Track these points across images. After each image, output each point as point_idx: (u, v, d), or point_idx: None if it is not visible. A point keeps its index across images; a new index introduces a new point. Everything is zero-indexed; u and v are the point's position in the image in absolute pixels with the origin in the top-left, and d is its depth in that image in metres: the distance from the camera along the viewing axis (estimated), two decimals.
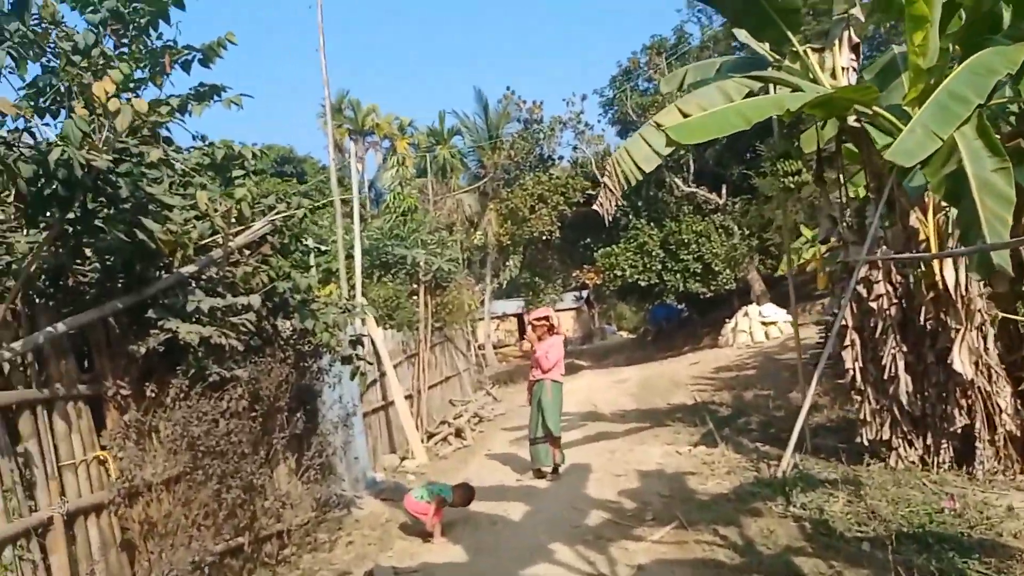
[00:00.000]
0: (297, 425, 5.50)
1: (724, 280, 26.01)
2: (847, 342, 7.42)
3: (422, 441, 10.20)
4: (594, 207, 7.63)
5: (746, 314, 24.67)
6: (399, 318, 11.15)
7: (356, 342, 6.14)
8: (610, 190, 7.27)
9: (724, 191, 27.52)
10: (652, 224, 26.87)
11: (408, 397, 10.98)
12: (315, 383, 6.22)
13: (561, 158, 30.41)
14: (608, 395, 15.51)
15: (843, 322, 7.42)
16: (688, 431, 9.75)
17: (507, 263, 25.39)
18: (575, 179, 27.61)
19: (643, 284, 26.82)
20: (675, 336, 35.29)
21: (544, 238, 26.93)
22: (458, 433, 10.92)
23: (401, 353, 10.85)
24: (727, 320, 25.99)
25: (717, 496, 6.42)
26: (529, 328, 7.82)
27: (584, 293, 41.65)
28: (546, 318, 7.75)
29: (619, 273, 26.53)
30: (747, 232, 26.64)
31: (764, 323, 24.10)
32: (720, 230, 26.35)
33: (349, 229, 12.56)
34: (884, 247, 7.11)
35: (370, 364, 6.15)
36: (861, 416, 7.31)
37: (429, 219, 13.16)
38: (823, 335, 16.44)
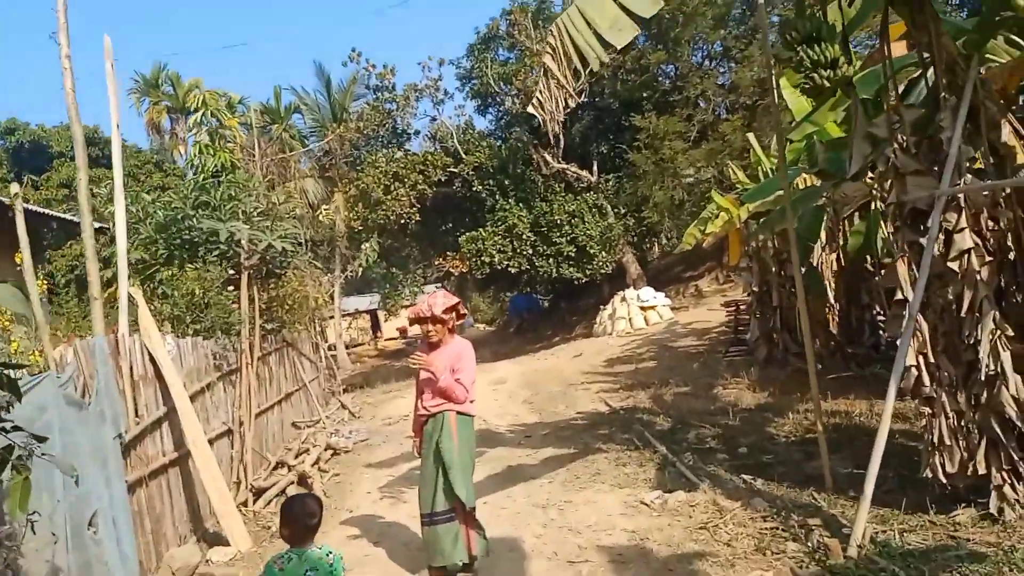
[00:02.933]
0: None
1: (600, 263, 23.86)
2: (904, 326, 4.83)
3: (245, 505, 6.77)
4: (529, 109, 4.59)
5: (623, 299, 22.69)
6: (210, 319, 7.62)
7: None
8: (555, 79, 4.26)
9: (595, 168, 25.43)
10: (521, 205, 24.26)
11: (226, 434, 7.50)
12: None
13: (418, 132, 27.18)
14: (494, 403, 12.56)
15: (905, 294, 4.83)
16: (634, 459, 6.97)
17: (361, 248, 21.77)
18: (435, 155, 24.48)
19: (513, 271, 24.19)
20: (540, 327, 33.23)
21: (401, 222, 23.58)
22: (302, 481, 7.56)
23: (213, 370, 7.35)
24: (602, 307, 23.96)
25: None
26: (427, 327, 4.56)
27: (441, 285, 38.62)
28: (455, 307, 4.63)
29: (487, 259, 23.73)
30: (621, 211, 24.66)
31: (643, 308, 22.22)
32: (593, 210, 24.18)
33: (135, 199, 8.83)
34: (969, 176, 4.59)
35: (18, 430, 2.71)
36: (933, 438, 4.76)
37: (255, 182, 9.58)
38: (736, 314, 14.46)
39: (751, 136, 13.68)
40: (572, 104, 4.61)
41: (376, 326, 45.66)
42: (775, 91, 6.22)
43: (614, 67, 24.39)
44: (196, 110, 9.42)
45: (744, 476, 6.03)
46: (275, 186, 26.58)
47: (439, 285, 39.94)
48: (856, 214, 10.88)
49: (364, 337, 44.52)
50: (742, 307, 13.93)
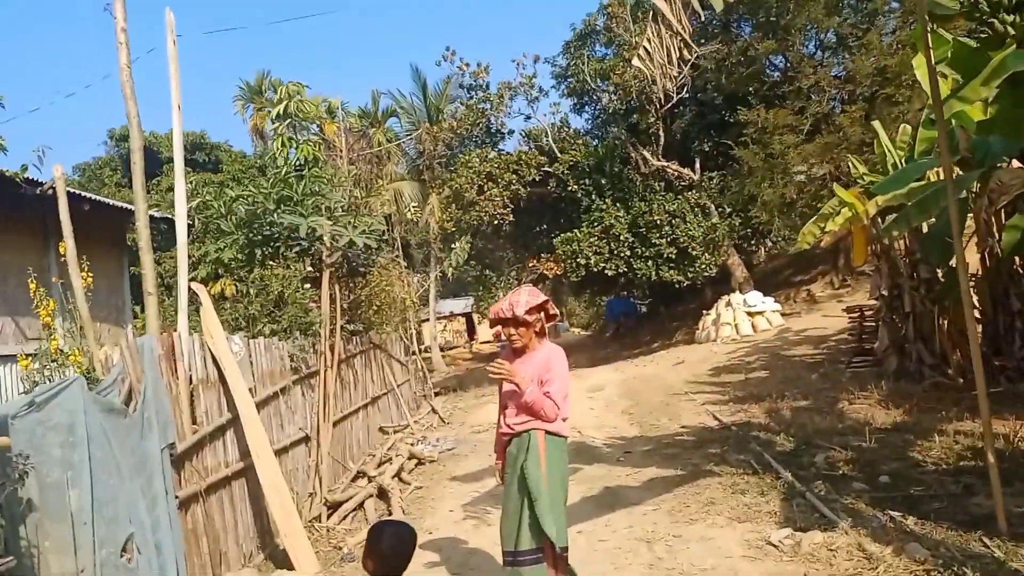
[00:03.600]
0: None
1: (703, 266, 22.58)
2: None
3: (319, 520, 6.24)
4: (635, 62, 3.81)
5: (728, 304, 21.44)
6: (287, 319, 7.18)
7: None
8: (667, 23, 3.46)
9: (697, 166, 24.18)
10: (618, 205, 23.30)
11: (303, 441, 7.03)
12: None
13: (512, 132, 26.61)
14: (591, 412, 11.76)
15: None
16: (753, 486, 6.03)
17: (452, 247, 21.30)
18: (529, 154, 23.84)
19: (610, 273, 23.23)
20: (638, 332, 32.12)
21: (495, 223, 23.06)
22: (382, 494, 6.98)
23: (290, 373, 6.90)
24: (704, 312, 22.71)
25: None
26: (510, 331, 3.77)
27: (537, 287, 37.90)
28: (543, 307, 3.90)
29: (582, 261, 22.86)
30: (726, 211, 23.30)
31: (750, 313, 20.91)
32: (696, 209, 22.94)
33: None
34: None
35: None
36: None
37: (339, 177, 9.17)
38: (860, 321, 13.03)
39: (877, 124, 12.34)
40: (688, 56, 3.81)
41: (471, 329, 45.62)
42: (927, 45, 5.11)
43: (718, 59, 23.17)
44: (279, 101, 9.05)
45: (891, 513, 5.01)
46: (369, 188, 26.79)
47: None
48: (1003, 210, 9.54)
49: (459, 340, 44.54)
50: (867, 313, 12.59)
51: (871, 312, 12.45)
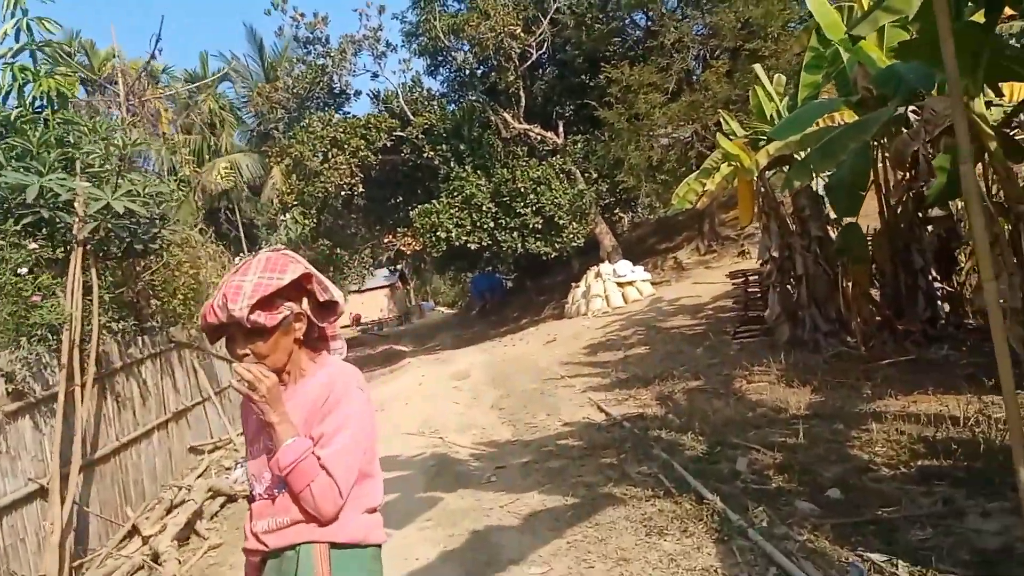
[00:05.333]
0: None
1: (570, 235, 21.30)
2: None
3: None
4: None
5: (598, 275, 20.26)
6: (9, 320, 4.86)
7: None
8: None
9: (560, 130, 22.82)
10: (479, 173, 21.55)
11: (34, 496, 4.79)
12: None
13: (358, 93, 24.23)
14: (454, 406, 10.01)
15: None
16: (670, 516, 4.44)
17: (279, 221, 18.63)
18: (378, 117, 21.56)
19: (473, 247, 21.52)
20: (505, 308, 30.83)
21: (344, 194, 20.69)
22: (155, 559, 4.87)
23: (4, 399, 4.62)
24: (573, 284, 21.50)
25: None
26: (234, 348, 1.80)
27: (399, 267, 35.74)
28: (301, 289, 1.79)
29: (443, 235, 20.98)
30: (593, 176, 22.11)
31: (620, 284, 19.82)
32: (561, 175, 21.59)
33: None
34: None
35: None
36: None
37: (100, 124, 6.73)
38: (745, 287, 12.03)
39: (758, 68, 11.25)
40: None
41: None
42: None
43: (577, 15, 21.84)
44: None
45: (871, 556, 3.55)
46: (199, 159, 23.57)
47: (392, 268, 37.07)
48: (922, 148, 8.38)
49: None
50: (751, 278, 11.54)
51: (755, 277, 11.42)
